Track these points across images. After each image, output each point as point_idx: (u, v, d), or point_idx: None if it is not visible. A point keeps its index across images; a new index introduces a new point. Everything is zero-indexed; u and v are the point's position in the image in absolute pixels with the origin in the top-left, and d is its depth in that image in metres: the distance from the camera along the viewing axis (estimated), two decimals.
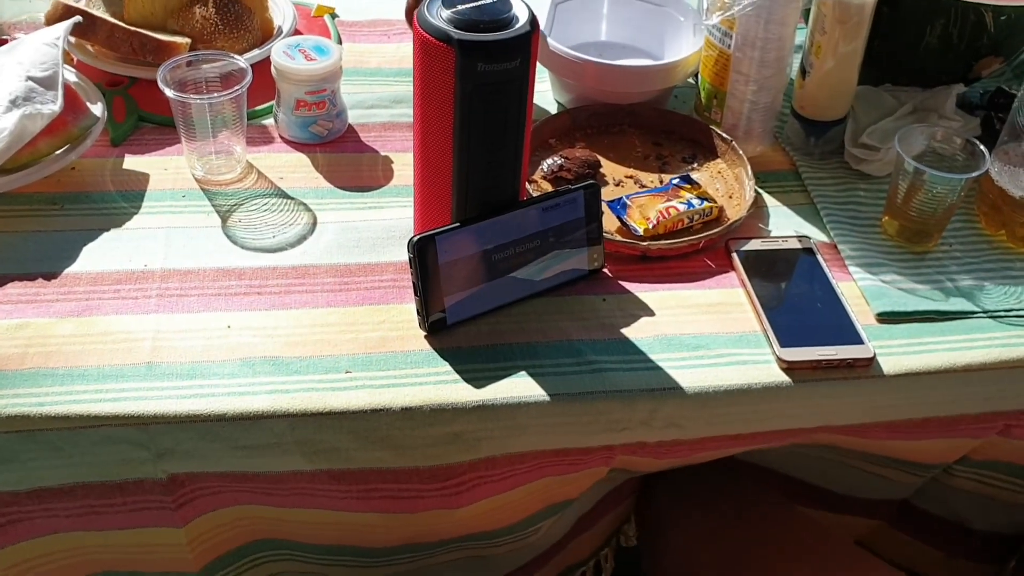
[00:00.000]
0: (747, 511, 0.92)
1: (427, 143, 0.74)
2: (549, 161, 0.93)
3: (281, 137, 0.95)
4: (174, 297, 0.78)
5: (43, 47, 0.87)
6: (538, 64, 0.96)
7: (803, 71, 0.94)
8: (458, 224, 0.75)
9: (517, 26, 0.69)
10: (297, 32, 1.07)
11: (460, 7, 0.69)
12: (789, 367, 0.76)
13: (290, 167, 0.92)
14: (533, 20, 0.70)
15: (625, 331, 0.78)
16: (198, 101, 0.85)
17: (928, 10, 0.92)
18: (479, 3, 0.70)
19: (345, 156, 0.94)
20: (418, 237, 0.73)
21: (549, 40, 0.97)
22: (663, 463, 0.80)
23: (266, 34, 1.05)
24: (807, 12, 0.93)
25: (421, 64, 0.70)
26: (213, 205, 0.87)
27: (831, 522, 0.96)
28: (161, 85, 0.85)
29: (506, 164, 0.75)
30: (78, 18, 0.93)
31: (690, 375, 0.75)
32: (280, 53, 0.92)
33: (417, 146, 0.76)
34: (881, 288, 0.83)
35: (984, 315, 0.81)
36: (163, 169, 0.91)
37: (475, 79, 0.68)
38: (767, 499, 0.93)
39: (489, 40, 0.68)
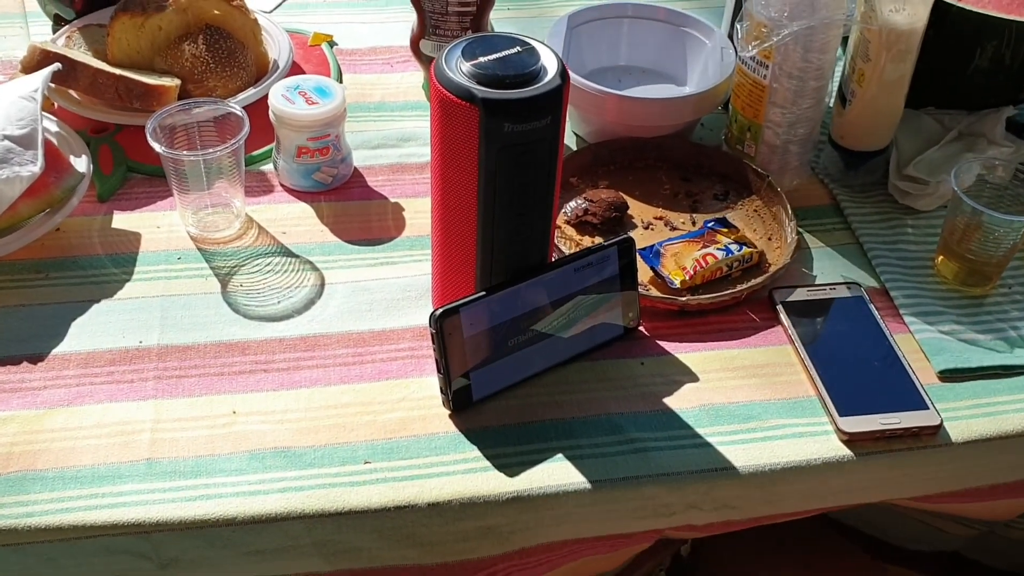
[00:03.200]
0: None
1: (448, 207, 0.67)
2: (572, 204, 0.86)
3: (282, 185, 0.88)
4: (173, 379, 0.71)
5: (19, 101, 0.80)
6: None
7: (843, 99, 0.87)
8: (483, 293, 0.68)
9: (547, 79, 0.62)
10: (295, 65, 1.00)
11: (482, 59, 0.62)
12: (850, 439, 0.69)
13: (293, 219, 0.85)
14: (563, 71, 0.63)
15: (668, 401, 0.72)
16: (190, 158, 0.78)
17: (978, 31, 0.85)
18: (503, 54, 0.63)
19: (352, 204, 0.87)
20: (441, 311, 0.66)
21: None
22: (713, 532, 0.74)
23: (261, 69, 0.98)
24: (845, 39, 0.86)
25: (440, 123, 0.63)
26: (211, 267, 0.80)
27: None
28: (151, 140, 0.77)
29: (535, 227, 0.68)
30: (57, 66, 0.85)
31: (743, 452, 0.68)
32: (278, 97, 0.84)
33: (436, 209, 0.69)
34: (941, 341, 0.76)
35: None
36: (155, 227, 0.83)
37: (502, 140, 0.62)
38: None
39: (516, 98, 0.61)
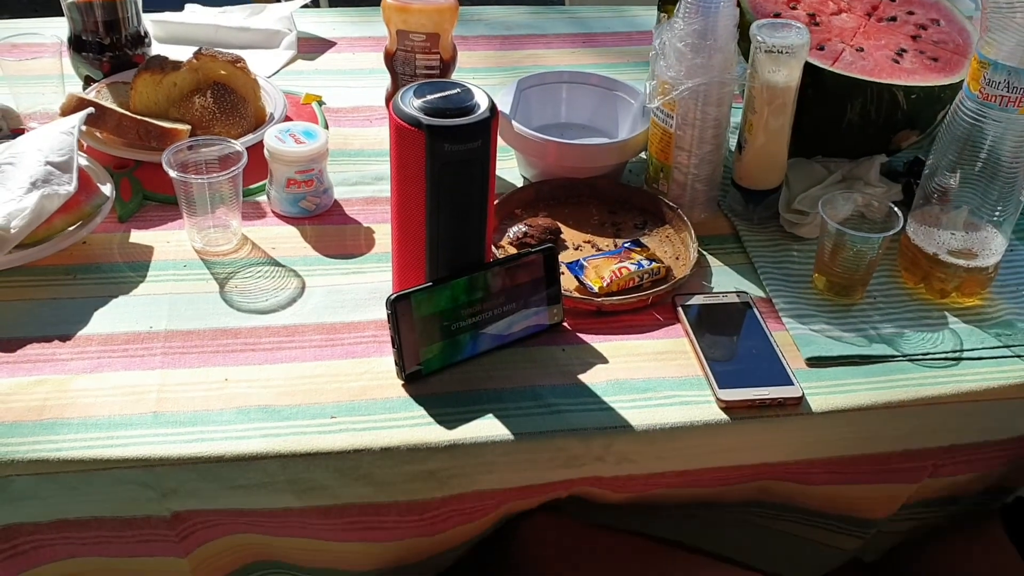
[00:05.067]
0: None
1: (403, 213, 0.84)
2: (514, 229, 1.03)
3: (273, 212, 1.06)
4: (177, 355, 0.87)
5: (60, 135, 0.98)
6: (506, 143, 1.08)
7: (739, 146, 1.05)
8: (431, 283, 0.84)
9: (479, 112, 0.80)
10: (288, 118, 1.19)
11: (429, 97, 0.80)
12: (727, 407, 0.85)
13: (281, 239, 1.02)
14: (492, 107, 0.81)
15: (582, 377, 0.87)
16: (198, 181, 0.95)
17: (847, 91, 1.04)
18: (446, 93, 0.81)
19: (331, 228, 1.04)
20: (395, 295, 0.82)
21: (514, 123, 1.08)
22: (620, 496, 0.88)
23: (259, 120, 1.16)
24: (741, 93, 1.05)
25: (396, 146, 0.81)
26: (212, 273, 0.97)
27: None
28: (166, 167, 0.95)
29: (472, 230, 0.85)
30: (91, 109, 1.04)
31: (639, 415, 0.84)
32: (272, 137, 1.02)
33: (394, 216, 0.86)
34: (810, 336, 0.93)
35: (904, 359, 0.91)
36: (166, 242, 1.00)
37: (443, 158, 0.79)
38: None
39: (454, 125, 0.78)
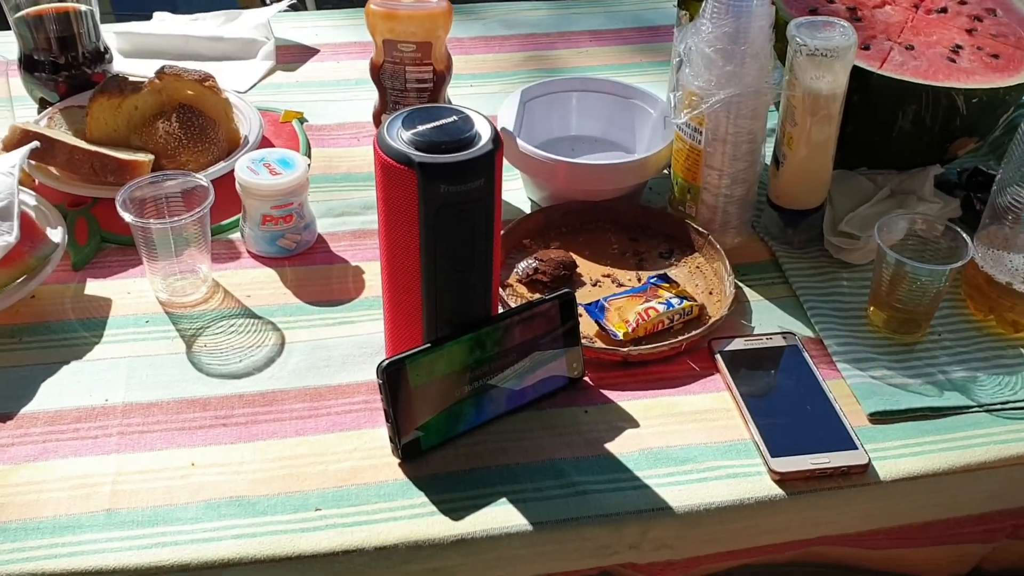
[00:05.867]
0: None
1: (393, 264, 0.72)
2: (523, 264, 0.91)
3: (248, 252, 0.93)
4: (136, 434, 0.75)
5: None
6: (510, 164, 0.95)
7: (776, 162, 0.92)
8: (429, 345, 0.72)
9: (480, 144, 0.67)
10: (265, 139, 1.06)
11: (420, 128, 0.67)
12: (782, 479, 0.72)
13: (258, 284, 0.90)
14: (496, 138, 0.68)
15: (609, 446, 0.75)
16: (158, 226, 0.83)
17: (899, 96, 0.91)
18: (440, 122, 0.68)
19: (315, 269, 0.92)
20: (387, 362, 0.70)
21: (518, 140, 0.95)
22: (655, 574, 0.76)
23: (232, 144, 1.04)
24: (777, 103, 0.92)
25: (384, 187, 0.68)
26: (177, 329, 0.84)
27: None
28: (120, 210, 0.82)
29: (476, 282, 0.72)
30: (35, 144, 0.91)
31: (679, 493, 0.71)
32: (244, 168, 0.90)
33: (384, 267, 0.73)
34: (871, 385, 0.80)
35: (980, 409, 0.78)
36: (126, 293, 0.88)
37: (439, 201, 0.66)
38: None
39: (451, 161, 0.66)
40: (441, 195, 0.66)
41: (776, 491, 0.72)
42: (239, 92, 1.13)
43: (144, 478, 0.71)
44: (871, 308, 0.87)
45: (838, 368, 0.82)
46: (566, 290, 0.78)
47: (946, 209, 0.95)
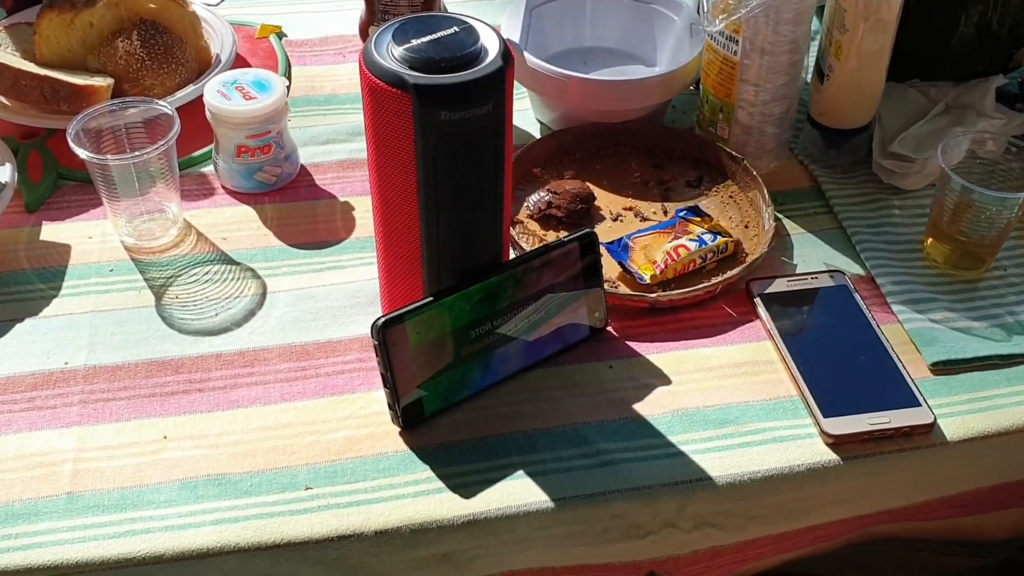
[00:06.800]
0: None
1: (387, 206, 0.61)
2: (535, 197, 0.80)
3: (223, 187, 0.83)
4: (100, 403, 0.65)
5: None
6: (516, 82, 0.84)
7: (820, 75, 0.81)
8: (431, 299, 0.62)
9: (487, 61, 0.56)
10: (239, 58, 0.94)
11: (415, 42, 0.56)
12: (836, 442, 0.64)
13: (235, 224, 0.79)
14: (505, 53, 0.57)
15: (638, 407, 0.66)
16: (117, 162, 0.72)
17: None
18: (438, 35, 0.57)
19: (298, 205, 0.81)
20: (384, 320, 0.60)
21: (526, 54, 0.84)
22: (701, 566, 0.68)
23: (203, 65, 0.92)
24: (820, 8, 0.80)
25: (373, 114, 0.58)
26: (145, 279, 0.75)
27: None
28: (73, 145, 0.72)
29: (484, 225, 0.62)
30: None
31: (719, 460, 0.63)
32: (214, 93, 0.78)
33: (376, 208, 0.63)
34: (932, 331, 0.71)
35: None
36: (87, 238, 0.78)
37: (439, 130, 0.56)
38: None
39: (452, 83, 0.55)
40: (441, 123, 0.55)
41: (830, 456, 0.63)
42: (208, 4, 1.01)
43: (110, 454, 0.62)
44: (929, 240, 0.77)
45: (893, 311, 0.72)
46: (586, 230, 0.68)
47: (1010, 125, 0.84)
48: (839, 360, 0.69)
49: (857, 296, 0.73)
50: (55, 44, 0.88)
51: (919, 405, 0.65)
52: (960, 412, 0.66)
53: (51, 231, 0.78)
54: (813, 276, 0.75)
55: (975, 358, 0.69)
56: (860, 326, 0.71)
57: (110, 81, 0.86)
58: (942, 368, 0.69)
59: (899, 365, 0.68)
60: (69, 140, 0.72)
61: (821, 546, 0.68)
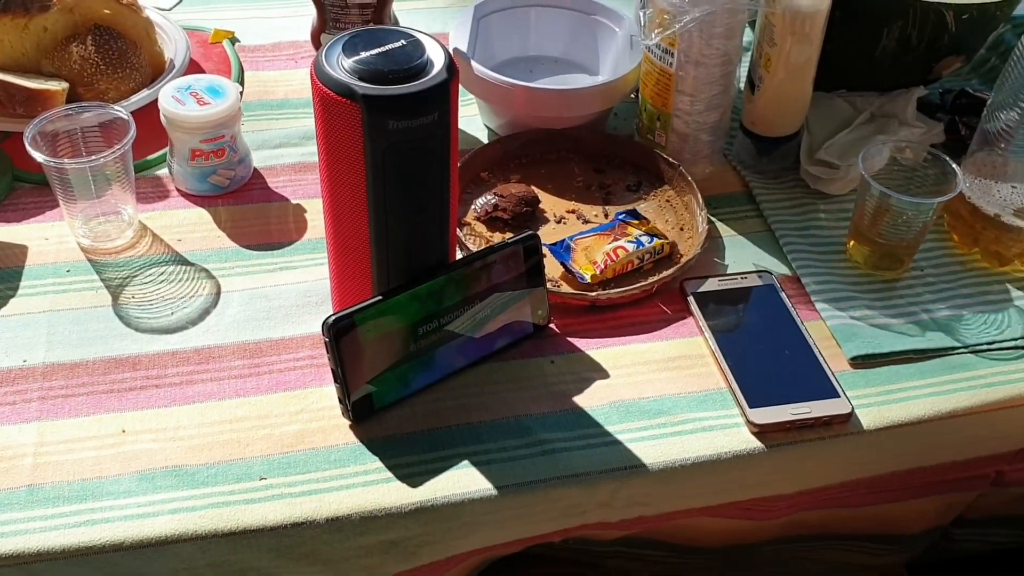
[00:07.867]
0: None
1: (337, 209, 0.64)
2: (482, 200, 0.84)
3: (178, 190, 0.85)
4: (59, 398, 0.67)
5: None
6: (464, 89, 0.87)
7: (752, 85, 0.86)
8: (380, 298, 0.65)
9: (432, 73, 0.59)
10: (193, 63, 0.96)
11: (364, 54, 0.59)
12: (760, 431, 0.68)
13: (189, 226, 0.82)
14: (450, 65, 0.60)
15: (578, 399, 0.70)
16: (74, 166, 0.74)
17: (884, 13, 0.84)
18: (385, 48, 0.60)
19: (251, 208, 0.84)
20: (334, 318, 0.63)
21: (473, 62, 0.87)
22: (627, 534, 0.72)
23: (156, 70, 0.94)
24: (754, 22, 0.85)
25: (323, 123, 0.61)
26: (102, 279, 0.77)
27: None
28: (30, 149, 0.73)
29: (431, 227, 0.65)
30: None
31: (652, 448, 0.67)
32: (168, 98, 0.81)
33: (327, 211, 0.66)
34: (852, 327, 0.76)
35: (965, 350, 0.75)
36: (43, 239, 0.79)
37: (387, 138, 0.59)
38: None
39: (399, 93, 0.58)
40: (389, 132, 0.59)
41: (755, 444, 0.68)
42: (162, 10, 1.03)
43: (70, 448, 0.65)
44: (851, 243, 0.82)
45: (817, 309, 0.77)
46: (530, 232, 0.72)
47: (929, 134, 0.90)
48: (765, 354, 0.73)
49: (783, 295, 0.78)
50: (9, 48, 0.89)
51: (838, 396, 0.70)
52: (876, 403, 0.71)
53: (7, 232, 0.80)
54: (743, 276, 0.79)
55: (891, 352, 0.74)
56: (786, 323, 0.75)
57: (65, 85, 0.87)
58: (860, 362, 0.73)
59: (821, 359, 0.72)
60: (26, 143, 0.74)
61: (747, 526, 0.72)
